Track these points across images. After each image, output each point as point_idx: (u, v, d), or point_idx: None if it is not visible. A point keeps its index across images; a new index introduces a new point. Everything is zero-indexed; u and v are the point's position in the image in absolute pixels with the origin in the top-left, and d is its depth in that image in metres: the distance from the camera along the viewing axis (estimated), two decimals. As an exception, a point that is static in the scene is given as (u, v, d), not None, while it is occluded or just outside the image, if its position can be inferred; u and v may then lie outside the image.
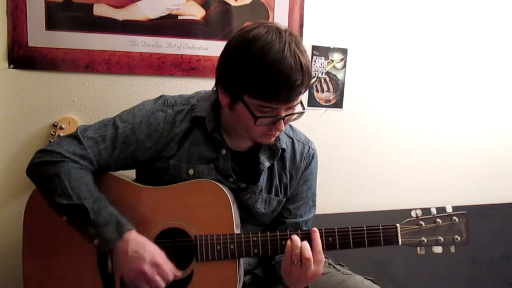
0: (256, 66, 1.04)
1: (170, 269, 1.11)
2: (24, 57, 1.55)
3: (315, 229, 1.16)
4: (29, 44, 1.54)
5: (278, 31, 1.07)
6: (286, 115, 1.12)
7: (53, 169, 1.13)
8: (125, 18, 1.61)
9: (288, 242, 1.14)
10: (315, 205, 1.42)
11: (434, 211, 1.19)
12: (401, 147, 2.03)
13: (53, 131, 1.57)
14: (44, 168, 1.14)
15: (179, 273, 1.14)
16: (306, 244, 1.12)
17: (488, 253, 2.13)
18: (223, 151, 1.24)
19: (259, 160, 1.26)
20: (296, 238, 1.14)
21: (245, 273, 1.30)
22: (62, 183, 1.11)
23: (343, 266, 1.41)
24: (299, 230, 1.18)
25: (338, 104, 1.91)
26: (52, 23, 1.55)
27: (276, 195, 1.32)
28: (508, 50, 2.09)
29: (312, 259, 1.10)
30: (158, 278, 1.09)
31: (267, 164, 1.27)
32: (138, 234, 1.12)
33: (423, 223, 1.18)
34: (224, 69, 1.13)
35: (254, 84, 1.06)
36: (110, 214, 1.12)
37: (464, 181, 2.13)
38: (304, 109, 1.16)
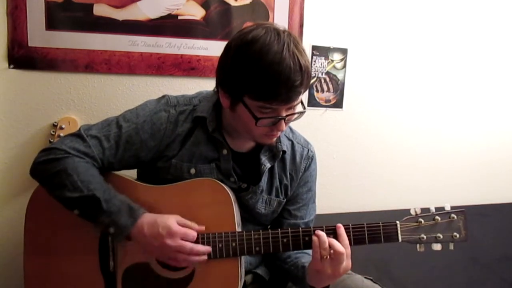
0: (255, 67, 1.05)
1: (185, 231, 1.12)
2: (24, 57, 1.55)
3: (340, 224, 1.16)
4: (29, 44, 1.54)
5: (277, 32, 1.07)
6: (287, 115, 1.12)
7: (59, 165, 1.13)
8: (125, 18, 1.61)
9: (314, 238, 1.13)
10: (314, 208, 1.42)
11: (433, 209, 1.20)
12: (401, 147, 2.03)
13: (53, 131, 1.57)
14: (49, 166, 1.14)
15: (197, 227, 1.15)
16: (333, 240, 1.12)
17: (488, 253, 2.13)
18: (224, 151, 1.24)
19: (260, 161, 1.27)
20: (322, 233, 1.13)
21: (246, 273, 1.29)
22: (70, 177, 1.12)
23: (343, 265, 1.41)
24: (324, 226, 1.17)
25: (338, 104, 1.91)
26: (52, 23, 1.55)
27: (277, 196, 1.32)
28: (508, 50, 2.10)
29: (344, 253, 1.11)
30: (182, 243, 1.11)
31: (268, 165, 1.27)
32: (151, 214, 1.14)
33: (422, 220, 1.18)
34: (224, 71, 1.13)
35: (254, 85, 1.06)
36: (122, 201, 1.13)
37: (464, 181, 2.14)
38: (304, 108, 1.17)
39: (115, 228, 1.11)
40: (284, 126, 1.14)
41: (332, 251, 1.11)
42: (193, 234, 1.13)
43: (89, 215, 1.14)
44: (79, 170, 1.13)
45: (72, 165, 1.13)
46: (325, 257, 1.11)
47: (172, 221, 1.13)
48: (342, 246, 1.12)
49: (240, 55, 1.07)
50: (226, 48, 1.13)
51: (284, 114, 1.11)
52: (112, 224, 1.11)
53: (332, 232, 1.15)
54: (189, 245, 1.12)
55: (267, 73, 1.04)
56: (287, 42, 1.06)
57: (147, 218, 1.13)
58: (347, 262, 1.12)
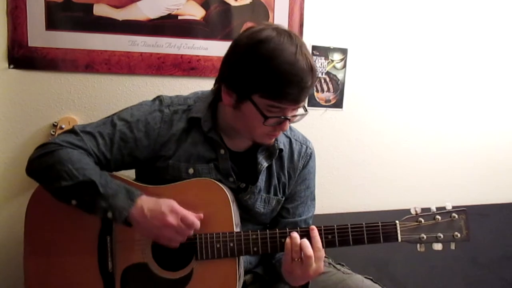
0: (268, 66, 1.05)
1: (190, 213, 1.13)
2: (24, 57, 1.55)
3: (313, 226, 1.17)
4: (29, 44, 1.54)
5: (288, 34, 1.09)
6: (292, 116, 1.14)
7: (53, 158, 1.13)
8: (125, 18, 1.61)
9: (287, 239, 1.15)
10: (314, 205, 1.42)
11: (433, 208, 1.19)
12: (401, 147, 2.03)
13: (53, 131, 1.57)
14: (43, 159, 1.14)
15: (201, 215, 1.15)
16: (306, 241, 1.13)
17: (488, 253, 2.13)
18: (222, 151, 1.24)
19: (257, 160, 1.27)
20: (295, 235, 1.14)
21: (246, 272, 1.30)
22: (65, 167, 1.11)
23: (343, 265, 1.41)
24: (298, 228, 1.18)
25: (338, 104, 1.91)
26: (52, 23, 1.55)
27: (275, 194, 1.32)
28: (508, 50, 2.09)
29: (313, 256, 1.11)
30: (183, 225, 1.11)
31: (265, 164, 1.27)
32: (149, 196, 1.14)
33: (422, 220, 1.18)
34: (231, 68, 1.13)
35: (266, 84, 1.07)
36: (118, 184, 1.14)
37: (464, 181, 2.14)
38: (306, 110, 1.18)
39: (113, 212, 1.10)
40: (287, 127, 1.16)
41: (302, 254, 1.12)
42: (193, 218, 1.13)
43: (87, 203, 1.13)
44: (73, 159, 1.13)
45: (66, 155, 1.13)
46: (296, 259, 1.12)
47: (173, 201, 1.13)
48: (314, 248, 1.12)
49: (252, 53, 1.08)
50: (234, 46, 1.14)
51: (290, 115, 1.13)
52: (110, 208, 1.10)
53: (306, 234, 1.16)
54: (189, 231, 1.12)
55: (280, 73, 1.05)
56: (299, 44, 1.08)
57: (146, 199, 1.13)
58: (317, 265, 1.13)
